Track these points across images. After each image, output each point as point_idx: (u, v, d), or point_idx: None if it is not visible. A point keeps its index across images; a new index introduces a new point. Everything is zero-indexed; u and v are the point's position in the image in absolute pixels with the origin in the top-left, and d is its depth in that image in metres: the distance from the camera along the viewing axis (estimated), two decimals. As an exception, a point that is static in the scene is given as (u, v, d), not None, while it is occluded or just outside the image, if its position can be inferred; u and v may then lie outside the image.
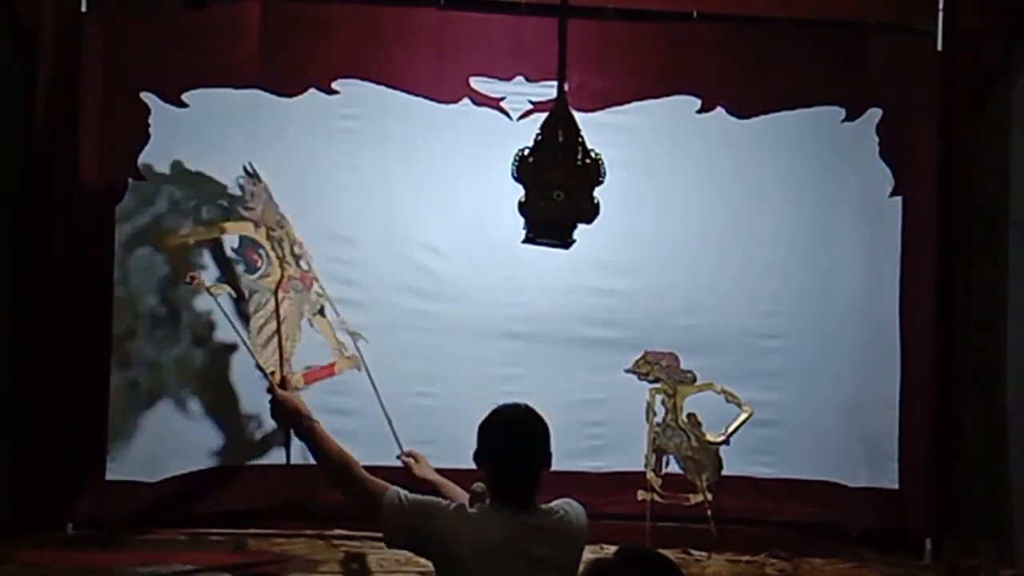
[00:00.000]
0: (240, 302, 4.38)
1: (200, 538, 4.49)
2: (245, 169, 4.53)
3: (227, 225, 4.46)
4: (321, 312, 4.47)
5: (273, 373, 3.80)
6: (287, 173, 4.69)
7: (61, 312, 4.58)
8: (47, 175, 4.69)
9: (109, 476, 4.52)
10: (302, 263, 4.46)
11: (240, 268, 4.44)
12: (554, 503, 2.98)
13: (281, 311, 4.16)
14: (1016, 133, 4.94)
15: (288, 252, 4.44)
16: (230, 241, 4.47)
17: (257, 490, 4.62)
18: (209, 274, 4.43)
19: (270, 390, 3.45)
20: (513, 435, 2.94)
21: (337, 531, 4.55)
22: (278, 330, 4.09)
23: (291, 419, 3.33)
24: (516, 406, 3.02)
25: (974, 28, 4.92)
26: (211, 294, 4.27)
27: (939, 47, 4.88)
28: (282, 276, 4.35)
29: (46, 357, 4.63)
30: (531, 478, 2.93)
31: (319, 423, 3.23)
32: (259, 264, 4.43)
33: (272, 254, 4.42)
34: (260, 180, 4.52)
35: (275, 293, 4.24)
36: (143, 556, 4.15)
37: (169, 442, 4.57)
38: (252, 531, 4.56)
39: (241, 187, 4.52)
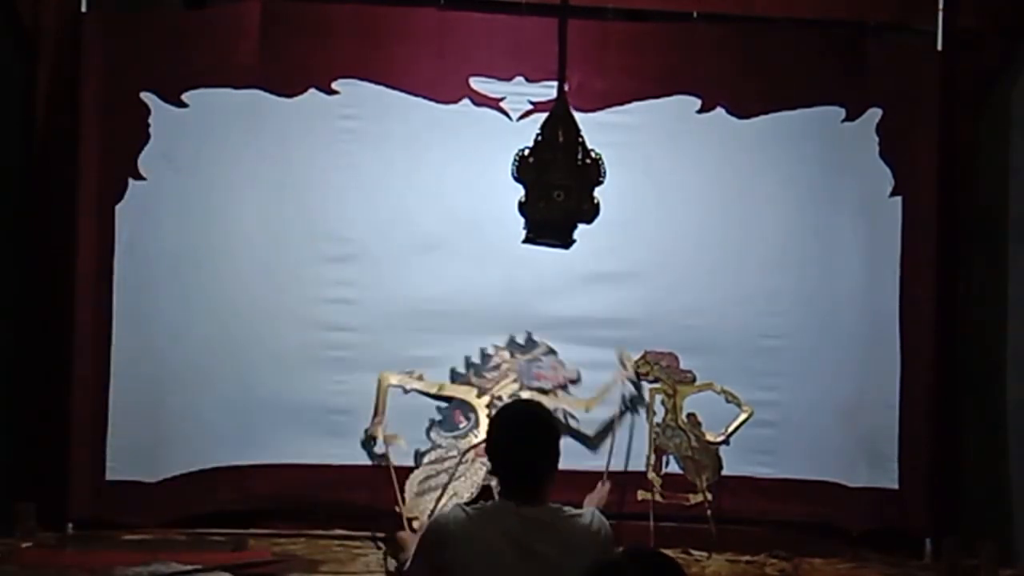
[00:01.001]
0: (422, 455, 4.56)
1: (200, 538, 4.49)
2: (517, 338, 4.65)
3: (447, 387, 4.60)
4: None
5: (416, 518, 4.23)
6: (287, 173, 4.69)
7: (61, 312, 4.58)
8: (47, 175, 4.70)
9: (109, 476, 4.53)
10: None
11: (438, 422, 4.59)
12: (576, 509, 2.98)
13: (459, 469, 4.41)
14: (1016, 133, 4.94)
15: None
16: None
17: (257, 490, 4.62)
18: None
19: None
20: (521, 431, 2.95)
21: (337, 531, 4.55)
22: (446, 484, 4.35)
23: (394, 550, 3.89)
24: (527, 402, 3.03)
25: (974, 28, 4.92)
26: (386, 445, 4.46)
27: (939, 47, 4.88)
28: (482, 441, 4.42)
29: (46, 357, 4.63)
30: (538, 474, 2.93)
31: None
32: (461, 425, 4.60)
33: (483, 420, 4.54)
34: (526, 353, 4.64)
35: (463, 452, 4.45)
36: (143, 556, 4.14)
37: (169, 442, 4.58)
38: (252, 531, 4.56)
39: (490, 355, 4.63)
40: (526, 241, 3.75)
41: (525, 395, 4.55)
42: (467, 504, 3.00)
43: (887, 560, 4.69)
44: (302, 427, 4.63)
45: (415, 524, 4.19)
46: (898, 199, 4.88)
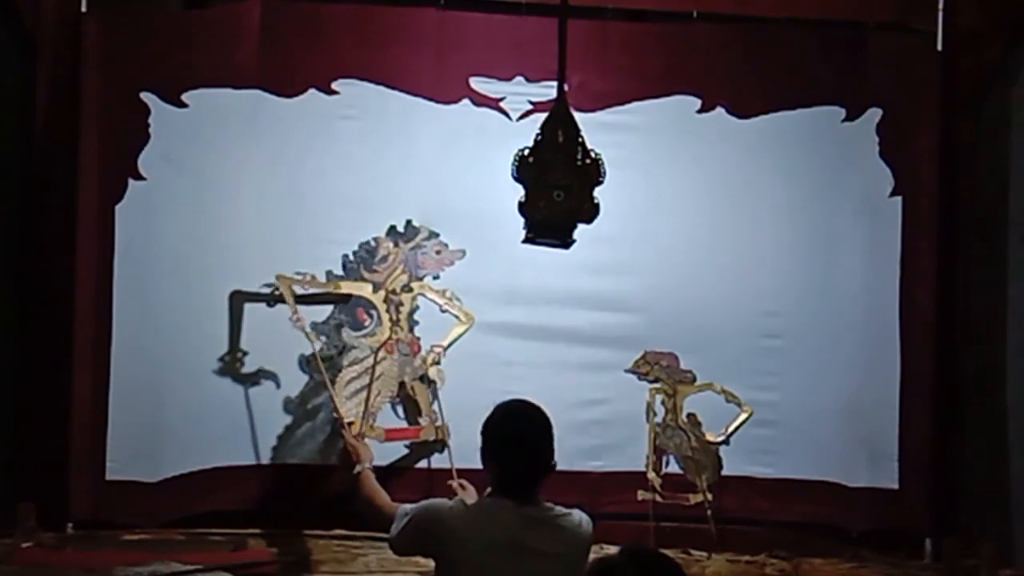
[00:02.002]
0: (338, 356, 4.59)
1: (200, 538, 4.48)
2: (397, 227, 4.65)
3: (343, 285, 4.61)
4: (422, 379, 4.59)
5: (352, 423, 4.31)
6: (287, 173, 4.69)
7: (61, 312, 4.57)
8: (47, 175, 4.70)
9: (109, 476, 4.53)
10: (417, 329, 4.62)
11: (345, 323, 4.61)
12: (565, 508, 2.99)
13: (377, 369, 4.46)
14: (1016, 133, 4.94)
15: (405, 316, 4.61)
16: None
17: (257, 490, 4.62)
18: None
19: (341, 435, 4.20)
20: (515, 430, 2.95)
21: (337, 531, 4.55)
22: (369, 384, 4.40)
23: (346, 462, 3.93)
24: (520, 402, 3.03)
25: (974, 28, 4.92)
26: (308, 338, 4.47)
27: (939, 47, 4.88)
28: (389, 337, 4.56)
29: (46, 357, 4.63)
30: (533, 473, 2.95)
31: (370, 472, 3.77)
32: (367, 323, 4.62)
33: (385, 316, 4.59)
34: (408, 242, 4.64)
35: (376, 352, 4.48)
36: (143, 556, 4.14)
37: (169, 442, 4.58)
38: (252, 531, 4.56)
39: (373, 247, 4.63)
40: (526, 241, 3.75)
41: (416, 286, 4.63)
42: (463, 502, 3.00)
43: (887, 560, 4.69)
44: (302, 427, 4.62)
45: (349, 427, 4.29)
46: (898, 199, 4.87)
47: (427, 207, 4.74)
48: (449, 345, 4.64)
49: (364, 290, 4.63)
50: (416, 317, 4.66)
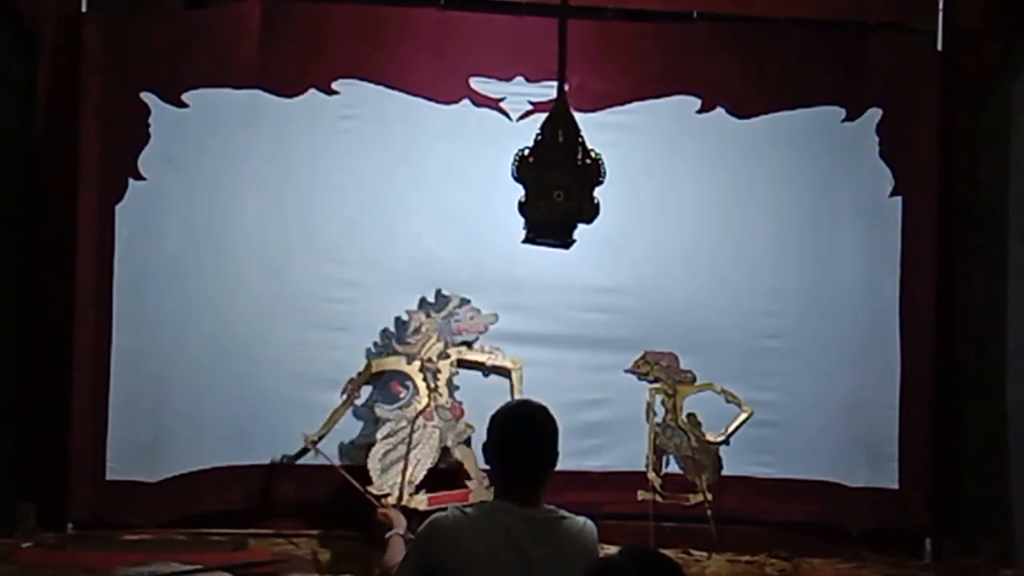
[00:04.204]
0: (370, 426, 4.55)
1: (200, 538, 4.49)
2: (427, 298, 4.62)
3: (375, 363, 4.58)
4: (467, 442, 4.54)
5: (387, 495, 4.30)
6: (287, 173, 4.70)
7: (61, 312, 4.57)
8: (47, 175, 4.70)
9: (109, 476, 4.53)
10: (457, 393, 4.59)
11: (378, 399, 4.57)
12: (569, 513, 2.98)
13: (415, 437, 4.42)
14: (1016, 133, 4.94)
15: (444, 382, 4.57)
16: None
17: (257, 490, 4.62)
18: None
19: (372, 511, 4.12)
20: (520, 430, 2.94)
21: (337, 531, 4.55)
22: (406, 455, 4.37)
23: (380, 531, 3.80)
24: (527, 403, 3.02)
25: (974, 28, 4.92)
26: (327, 458, 4.48)
27: (939, 47, 4.88)
28: (427, 406, 4.52)
29: (46, 357, 4.63)
30: (536, 475, 2.94)
31: (401, 537, 3.59)
32: (402, 395, 4.58)
33: (422, 385, 4.56)
34: (439, 311, 4.61)
35: (412, 421, 4.46)
36: (143, 556, 4.14)
37: (169, 442, 4.58)
38: (252, 531, 4.56)
39: (405, 320, 4.61)
40: (526, 241, 3.75)
41: (453, 352, 4.59)
42: (462, 507, 2.98)
43: (887, 560, 4.69)
44: (302, 427, 4.61)
45: (384, 501, 4.26)
46: (898, 199, 4.88)
47: (427, 207, 4.75)
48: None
49: (397, 364, 4.59)
50: (456, 382, 4.61)
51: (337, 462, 4.48)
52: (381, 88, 4.76)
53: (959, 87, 4.96)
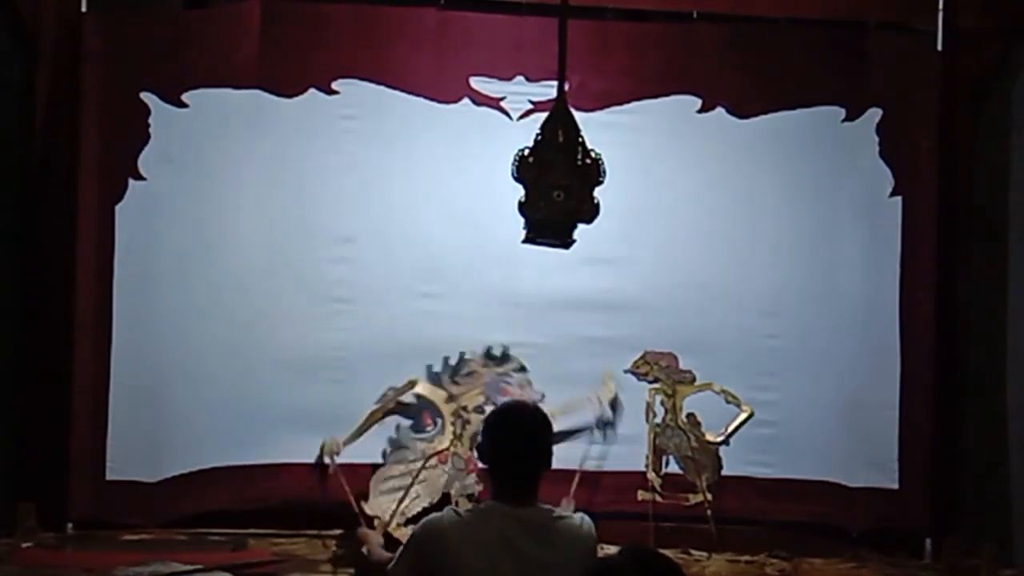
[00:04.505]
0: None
1: (200, 538, 4.49)
2: (493, 349, 4.64)
3: (420, 384, 4.60)
4: (470, 497, 4.54)
5: (378, 517, 4.32)
6: (287, 173, 4.70)
7: (61, 312, 4.57)
8: (47, 175, 4.70)
9: (109, 476, 4.53)
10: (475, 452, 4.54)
11: (406, 423, 4.59)
12: (566, 511, 2.98)
13: (423, 473, 4.43)
14: (1016, 133, 4.94)
15: (469, 435, 4.56)
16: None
17: (257, 490, 4.62)
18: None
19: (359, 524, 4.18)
20: (515, 431, 2.94)
21: (337, 531, 4.55)
22: (408, 487, 4.38)
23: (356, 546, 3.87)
24: (520, 403, 3.02)
25: (974, 28, 4.92)
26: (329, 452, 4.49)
27: (939, 47, 4.88)
28: (447, 448, 4.53)
29: (46, 357, 4.63)
30: (531, 475, 2.94)
31: (376, 558, 3.54)
32: (429, 428, 4.60)
33: (449, 428, 4.57)
34: (498, 366, 4.63)
35: (427, 458, 4.47)
36: (143, 556, 4.14)
37: (169, 442, 4.58)
38: (252, 531, 4.56)
39: (465, 360, 4.62)
40: (526, 241, 3.75)
41: (489, 408, 4.51)
42: (457, 510, 2.98)
43: (887, 560, 4.69)
44: (302, 427, 4.62)
45: (375, 523, 4.27)
46: (898, 199, 4.87)
47: (427, 207, 4.74)
48: None
49: (437, 397, 4.60)
50: (478, 438, 4.61)
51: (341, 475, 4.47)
52: (381, 88, 4.76)
53: (959, 87, 4.96)
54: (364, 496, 4.46)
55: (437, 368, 4.65)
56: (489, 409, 4.42)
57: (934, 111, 4.87)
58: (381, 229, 4.74)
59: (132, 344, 4.56)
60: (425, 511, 4.36)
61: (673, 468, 4.70)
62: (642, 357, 4.71)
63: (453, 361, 4.65)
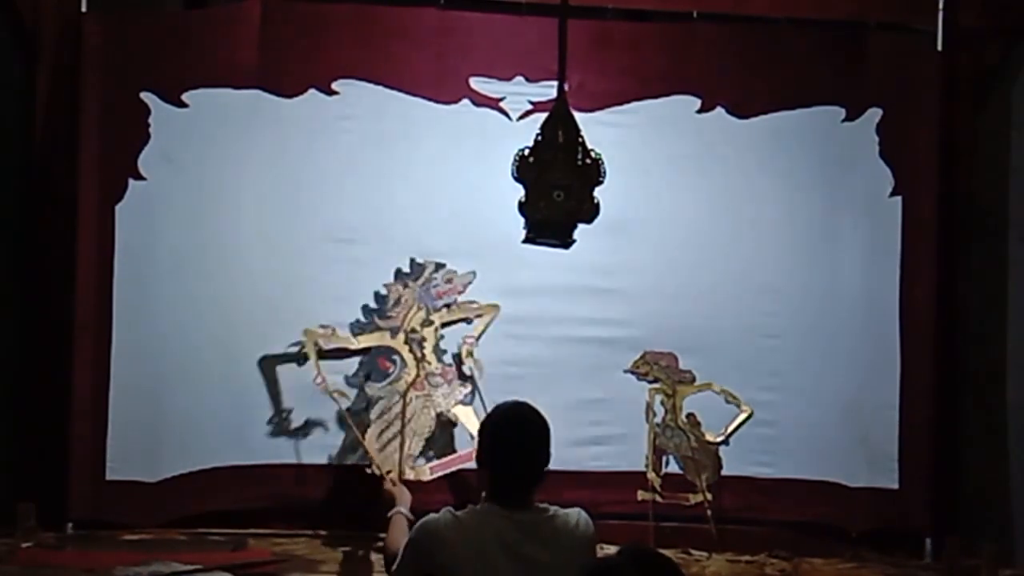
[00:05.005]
0: (364, 411, 4.57)
1: (200, 538, 4.49)
2: (402, 268, 4.64)
3: (360, 339, 4.60)
4: (463, 402, 4.58)
5: (390, 472, 4.31)
6: (287, 173, 4.69)
7: (61, 312, 4.58)
8: (47, 175, 4.70)
9: (109, 476, 4.53)
10: (445, 357, 4.62)
11: (370, 376, 4.60)
12: (562, 509, 2.97)
13: (407, 412, 4.45)
14: (1016, 133, 4.94)
15: (431, 349, 4.59)
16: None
17: (257, 490, 4.62)
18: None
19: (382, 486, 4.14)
20: (512, 433, 2.94)
21: (337, 531, 4.55)
22: (402, 429, 4.40)
23: (385, 507, 3.76)
24: (517, 404, 3.01)
25: (974, 28, 4.92)
26: (334, 399, 4.47)
27: (939, 47, 4.88)
28: (416, 376, 4.55)
29: (46, 357, 4.63)
30: (529, 477, 2.93)
31: (403, 515, 3.57)
32: (391, 370, 4.61)
33: (408, 356, 4.59)
34: (416, 279, 4.63)
35: (403, 395, 4.48)
36: (143, 556, 4.14)
37: (169, 442, 4.58)
38: (252, 531, 4.56)
39: (384, 295, 4.62)
40: (526, 241, 3.75)
41: (436, 318, 4.61)
42: (457, 509, 2.97)
43: (887, 560, 4.69)
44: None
45: (390, 477, 4.28)
46: (898, 199, 4.87)
47: (427, 207, 4.74)
48: (480, 334, 4.66)
49: (383, 339, 4.61)
50: (443, 346, 4.64)
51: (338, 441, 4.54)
52: (381, 88, 4.76)
53: (959, 87, 4.96)
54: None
55: (361, 318, 4.64)
56: (435, 319, 4.58)
57: (934, 111, 4.87)
58: (380, 229, 4.73)
59: (132, 344, 4.56)
60: (428, 441, 4.52)
61: (673, 468, 4.70)
62: (642, 357, 4.71)
63: (373, 304, 4.64)
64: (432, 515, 2.96)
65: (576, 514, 2.98)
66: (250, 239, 4.67)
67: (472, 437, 4.42)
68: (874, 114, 4.89)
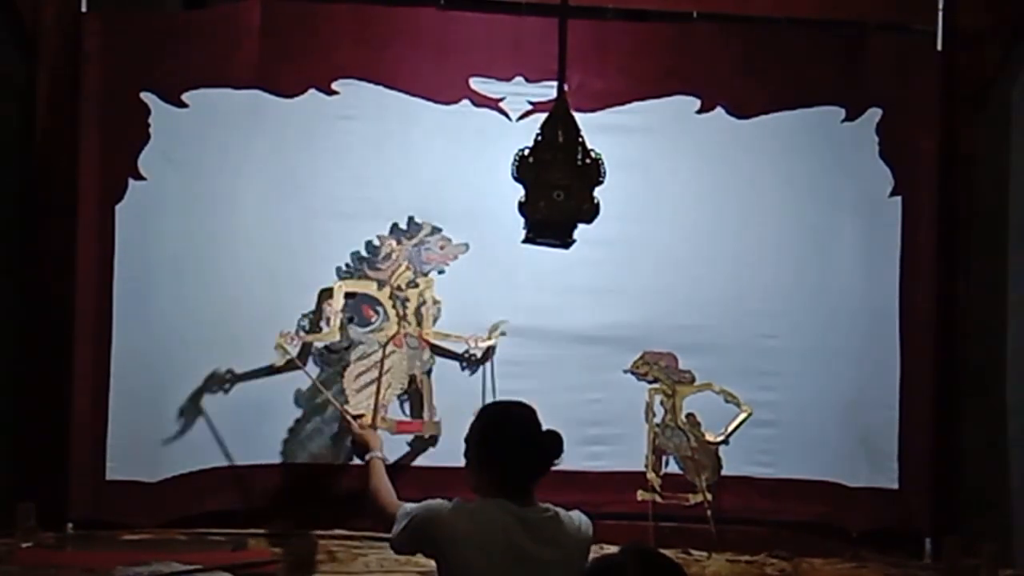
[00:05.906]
0: (346, 351, 4.62)
1: (200, 538, 4.49)
2: (399, 224, 4.66)
3: (346, 284, 4.63)
4: (428, 373, 4.62)
5: (363, 415, 4.38)
6: (287, 173, 4.69)
7: (61, 312, 4.57)
8: (47, 175, 4.70)
9: (109, 476, 4.53)
10: (424, 323, 4.64)
11: (351, 320, 4.63)
12: (563, 510, 2.98)
13: (386, 362, 4.49)
14: (1016, 133, 4.94)
15: (412, 311, 4.63)
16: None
17: (257, 490, 4.62)
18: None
19: (349, 428, 4.30)
20: (516, 432, 2.94)
21: (337, 531, 4.55)
22: (379, 378, 4.44)
23: (359, 451, 4.07)
24: (519, 404, 3.02)
25: (974, 28, 4.92)
26: (308, 375, 4.55)
27: (939, 47, 4.88)
28: (397, 331, 4.59)
29: (46, 357, 4.63)
30: (525, 474, 2.94)
31: (380, 458, 3.84)
32: (373, 320, 4.64)
33: (391, 312, 4.63)
34: (411, 238, 4.66)
35: (384, 346, 4.53)
36: (143, 556, 4.14)
37: (169, 442, 4.57)
38: (252, 531, 4.56)
39: (377, 246, 4.64)
40: (526, 241, 3.75)
41: (422, 282, 4.65)
42: (464, 502, 2.98)
43: (887, 560, 4.69)
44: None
45: (360, 421, 4.34)
46: (898, 199, 4.87)
47: (427, 207, 4.74)
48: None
49: (368, 288, 4.64)
50: (423, 311, 4.66)
51: (314, 374, 4.57)
52: (381, 88, 4.76)
53: (959, 87, 4.96)
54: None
55: (349, 263, 4.67)
56: (421, 282, 4.61)
57: (934, 111, 4.87)
58: (380, 228, 4.73)
59: (132, 344, 4.55)
60: (400, 397, 4.61)
61: (673, 468, 4.70)
62: (642, 357, 4.72)
63: (364, 252, 4.67)
64: (439, 503, 2.97)
65: (578, 516, 2.99)
66: (250, 239, 4.66)
67: (426, 411, 4.58)
68: (874, 114, 4.89)
